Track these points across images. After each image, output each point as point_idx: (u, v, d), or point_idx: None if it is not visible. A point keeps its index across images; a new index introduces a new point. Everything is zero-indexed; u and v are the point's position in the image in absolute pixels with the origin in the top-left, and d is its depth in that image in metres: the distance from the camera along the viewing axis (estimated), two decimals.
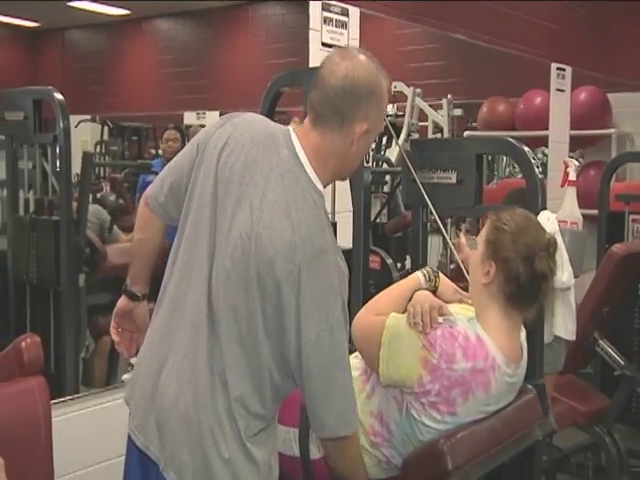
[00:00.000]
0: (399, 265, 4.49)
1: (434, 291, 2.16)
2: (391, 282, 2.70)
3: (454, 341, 1.92)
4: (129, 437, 1.77)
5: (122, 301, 2.03)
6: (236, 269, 1.63)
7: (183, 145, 5.24)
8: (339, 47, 1.73)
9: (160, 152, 6.88)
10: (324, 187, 1.77)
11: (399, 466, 2.05)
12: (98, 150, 7.19)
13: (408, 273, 2.92)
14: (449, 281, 2.24)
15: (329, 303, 1.64)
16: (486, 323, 2.00)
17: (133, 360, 4.16)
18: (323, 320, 1.62)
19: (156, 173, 4.44)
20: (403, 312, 2.05)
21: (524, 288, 1.99)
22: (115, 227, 4.43)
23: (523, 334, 2.13)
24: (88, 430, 2.85)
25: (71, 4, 7.22)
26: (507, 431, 2.04)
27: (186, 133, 5.70)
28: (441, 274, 2.22)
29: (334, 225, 2.76)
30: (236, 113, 1.84)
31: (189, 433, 1.65)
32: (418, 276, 2.18)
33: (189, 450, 1.65)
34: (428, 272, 2.19)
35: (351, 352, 2.22)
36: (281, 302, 1.61)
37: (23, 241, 3.31)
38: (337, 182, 2.14)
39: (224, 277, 1.65)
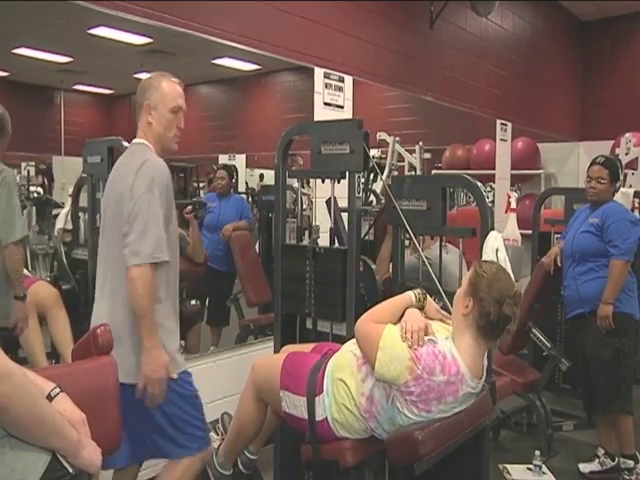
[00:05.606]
0: None
1: (421, 308, 2.08)
2: (374, 283, 2.69)
3: (435, 358, 1.88)
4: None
5: None
6: None
7: (230, 181, 4.73)
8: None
9: (201, 185, 6.86)
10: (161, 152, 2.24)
11: (382, 436, 2.02)
12: None
13: (389, 277, 2.92)
14: (433, 302, 2.17)
15: None
16: (460, 345, 1.94)
17: (182, 342, 4.13)
18: None
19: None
20: (395, 323, 2.00)
21: (492, 324, 1.92)
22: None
23: (486, 358, 2.06)
24: None
25: (136, 76, 7.26)
26: (467, 423, 2.01)
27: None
28: (428, 296, 2.14)
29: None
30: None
31: None
32: (410, 295, 2.09)
33: None
34: (418, 293, 2.11)
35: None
36: None
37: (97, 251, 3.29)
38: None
39: None
